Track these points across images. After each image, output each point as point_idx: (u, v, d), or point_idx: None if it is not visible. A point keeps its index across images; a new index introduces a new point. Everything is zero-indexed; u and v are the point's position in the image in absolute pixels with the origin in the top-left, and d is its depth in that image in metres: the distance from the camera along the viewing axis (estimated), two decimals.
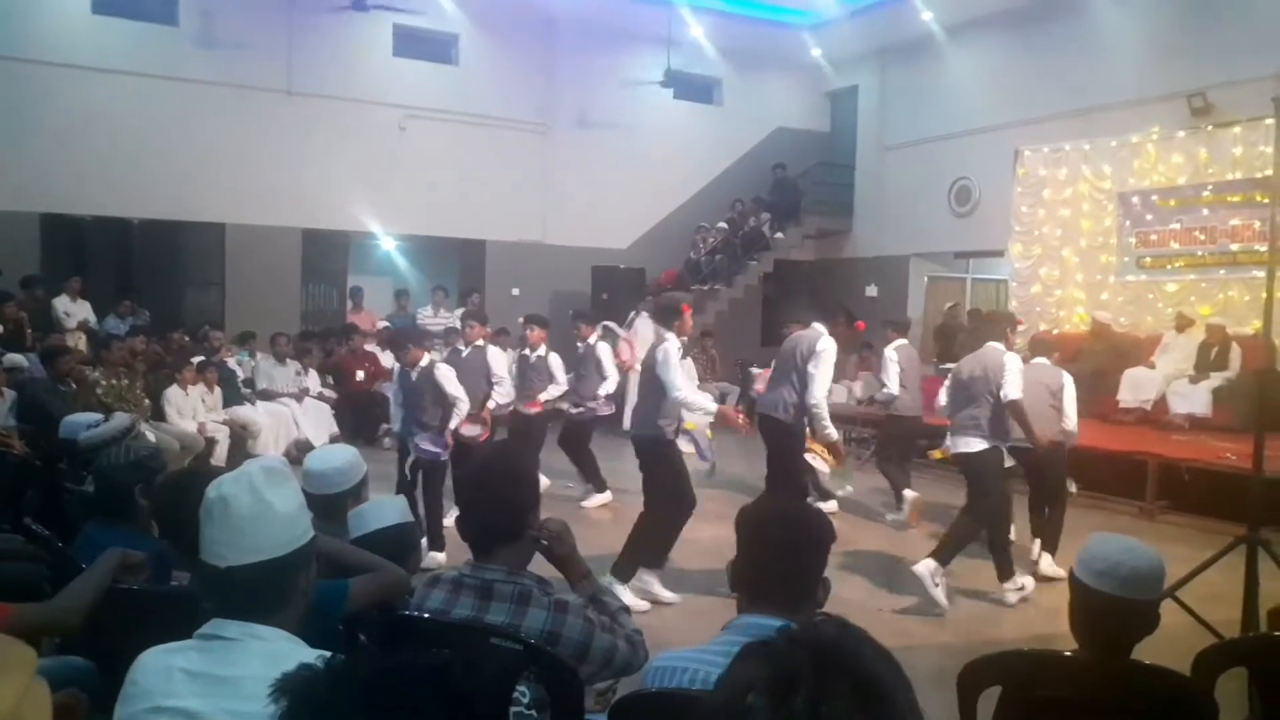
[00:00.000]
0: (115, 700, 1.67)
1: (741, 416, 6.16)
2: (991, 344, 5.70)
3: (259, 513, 1.68)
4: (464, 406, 6.35)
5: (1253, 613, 4.60)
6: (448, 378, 6.30)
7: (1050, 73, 12.30)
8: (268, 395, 10.19)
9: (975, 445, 5.55)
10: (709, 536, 7.26)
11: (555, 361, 8.05)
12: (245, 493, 1.69)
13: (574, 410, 8.35)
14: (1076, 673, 2.18)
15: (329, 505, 3.14)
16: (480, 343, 7.50)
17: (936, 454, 8.08)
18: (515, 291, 13.92)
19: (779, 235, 15.09)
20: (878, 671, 0.97)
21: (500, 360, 7.58)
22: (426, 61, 13.68)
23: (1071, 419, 6.09)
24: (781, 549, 1.96)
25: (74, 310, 10.41)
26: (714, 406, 5.74)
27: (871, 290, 15.01)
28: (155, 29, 12.03)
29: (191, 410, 9.11)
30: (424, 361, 6.38)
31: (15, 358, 8.18)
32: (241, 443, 9.35)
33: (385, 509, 3.11)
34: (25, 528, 3.23)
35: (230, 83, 12.21)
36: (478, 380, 7.08)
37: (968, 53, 13.69)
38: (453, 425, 6.26)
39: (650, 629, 4.74)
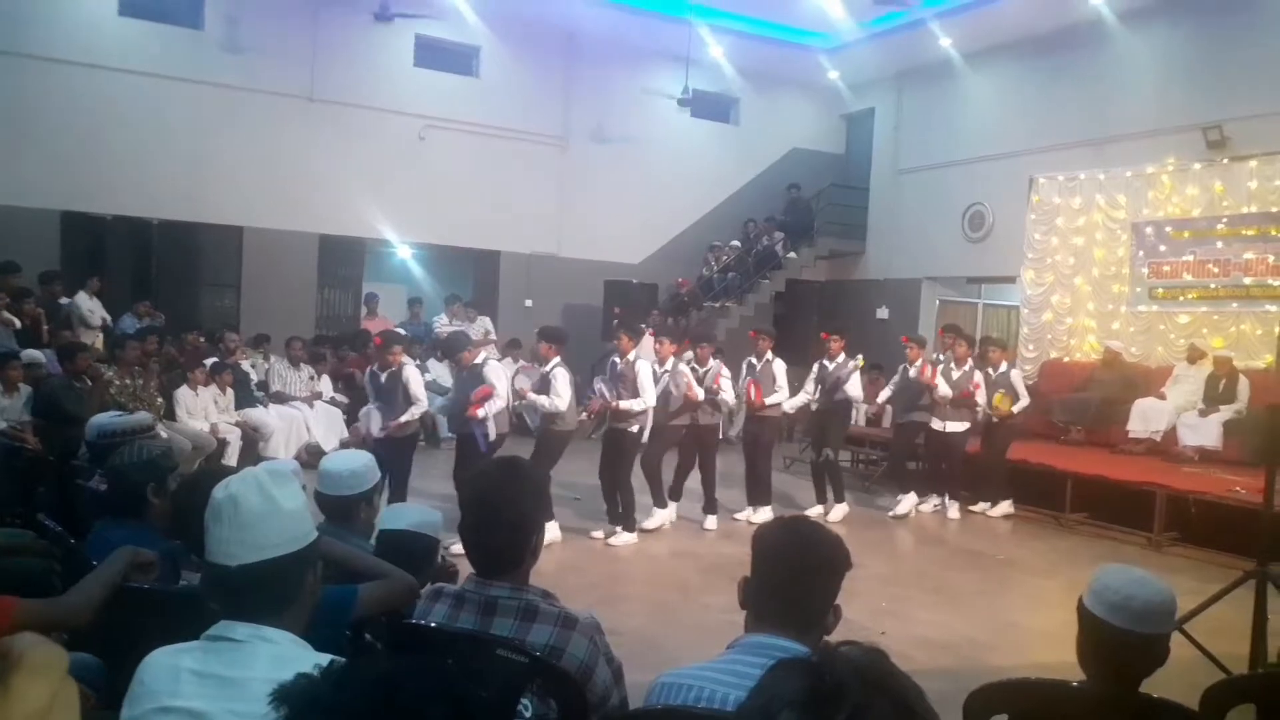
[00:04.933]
0: (122, 698, 1.67)
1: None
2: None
3: (268, 510, 1.70)
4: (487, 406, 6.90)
5: (1261, 648, 4.57)
6: (492, 375, 7.04)
7: (1067, 101, 12.34)
8: (280, 398, 10.23)
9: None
10: (712, 552, 7.28)
11: (414, 377, 7.22)
12: (254, 492, 1.71)
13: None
14: (1085, 704, 2.17)
15: (342, 508, 3.17)
16: (557, 360, 7.20)
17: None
18: (528, 303, 13.99)
19: (792, 255, 15.12)
20: (912, 695, 1.00)
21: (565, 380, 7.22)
22: (447, 73, 13.76)
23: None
24: (797, 571, 1.94)
25: (90, 308, 10.45)
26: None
27: (883, 312, 15.03)
28: (180, 32, 12.14)
29: (202, 411, 9.16)
30: (477, 359, 7.17)
31: (33, 353, 8.21)
32: (253, 445, 9.40)
33: (419, 514, 3.15)
34: (37, 523, 3.24)
35: (253, 87, 12.33)
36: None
37: (985, 79, 13.72)
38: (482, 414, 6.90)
39: (653, 644, 4.76)
